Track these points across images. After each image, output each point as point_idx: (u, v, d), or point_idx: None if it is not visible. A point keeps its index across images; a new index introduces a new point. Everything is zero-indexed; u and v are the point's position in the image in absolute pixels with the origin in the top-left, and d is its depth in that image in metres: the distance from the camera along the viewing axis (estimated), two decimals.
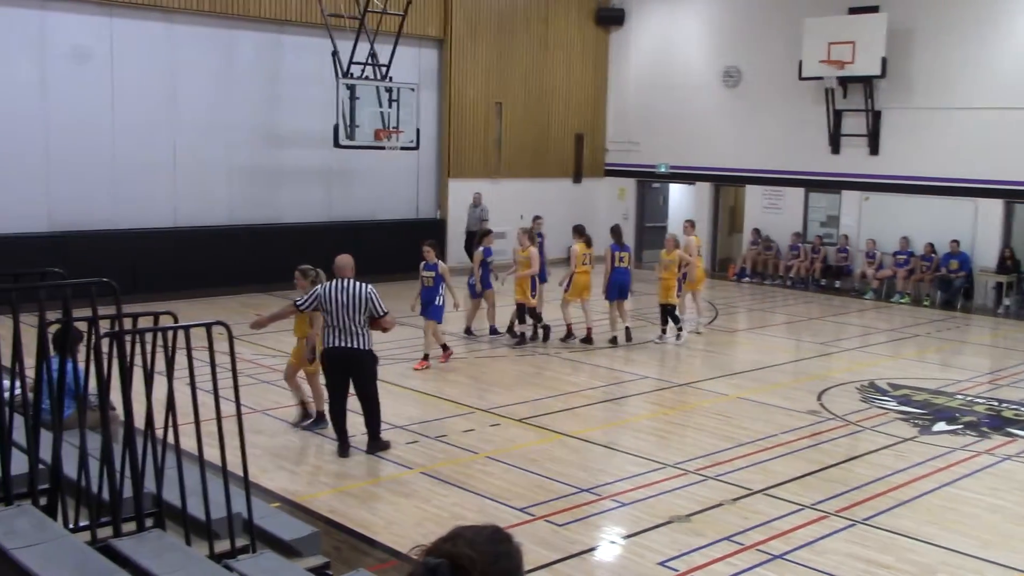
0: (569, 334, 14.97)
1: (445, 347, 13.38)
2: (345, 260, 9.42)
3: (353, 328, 9.12)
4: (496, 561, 2.09)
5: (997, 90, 19.35)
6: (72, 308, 5.52)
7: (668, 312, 14.95)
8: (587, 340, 14.86)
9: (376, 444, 9.45)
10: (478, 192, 21.94)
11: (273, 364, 12.91)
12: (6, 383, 5.74)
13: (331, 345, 9.21)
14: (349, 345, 9.15)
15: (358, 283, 9.23)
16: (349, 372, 9.28)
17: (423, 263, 13.14)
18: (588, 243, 15.11)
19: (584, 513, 8.06)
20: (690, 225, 16.67)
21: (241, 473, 5.69)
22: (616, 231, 15.49)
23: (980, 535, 7.85)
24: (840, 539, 7.61)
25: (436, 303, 13.01)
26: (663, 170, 24.86)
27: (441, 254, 14.18)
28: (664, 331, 15.19)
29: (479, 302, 15.25)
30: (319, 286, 9.38)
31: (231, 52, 19.20)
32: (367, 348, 9.29)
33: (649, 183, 25.91)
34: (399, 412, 10.97)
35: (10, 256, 13.68)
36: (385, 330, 9.65)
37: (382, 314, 9.26)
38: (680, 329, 15.12)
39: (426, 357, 13.11)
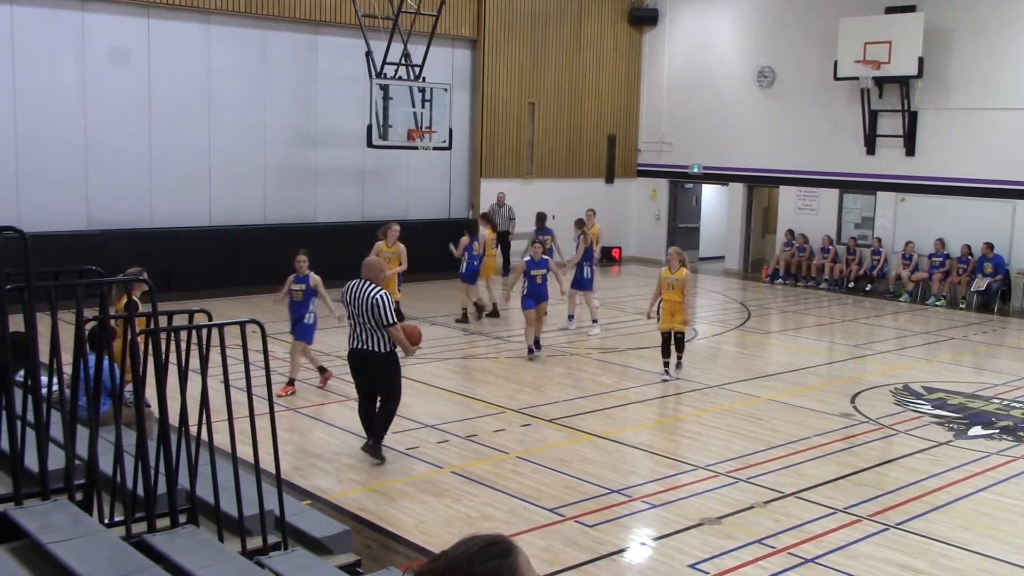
0: (479, 311, 16.66)
1: (322, 369, 11.89)
2: (370, 262, 9.25)
3: (369, 328, 8.87)
4: None
5: None
6: (109, 306, 5.59)
7: (677, 340, 12.78)
8: (493, 314, 16.68)
9: (373, 449, 9.04)
10: (502, 192, 21.95)
11: (304, 362, 12.97)
12: (44, 380, 5.82)
13: (352, 346, 9.10)
14: (365, 347, 8.94)
15: (372, 287, 8.92)
16: (367, 373, 9.08)
17: (292, 275, 11.51)
18: (495, 228, 17.00)
19: (614, 514, 8.04)
20: (592, 213, 17.77)
21: (273, 471, 5.74)
22: (540, 217, 17.88)
23: (1015, 541, 7.75)
24: (873, 543, 7.54)
25: (306, 321, 11.45)
26: (696, 170, 24.76)
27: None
28: (667, 364, 12.84)
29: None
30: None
31: (266, 53, 19.35)
32: (385, 351, 8.92)
33: (682, 183, 25.82)
34: (430, 411, 11.01)
35: (49, 254, 13.86)
36: (396, 341, 8.92)
37: (387, 323, 8.74)
38: (680, 358, 12.98)
39: (291, 382, 11.54)
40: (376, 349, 8.92)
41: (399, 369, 9.21)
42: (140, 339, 5.58)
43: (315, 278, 11.45)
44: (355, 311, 8.92)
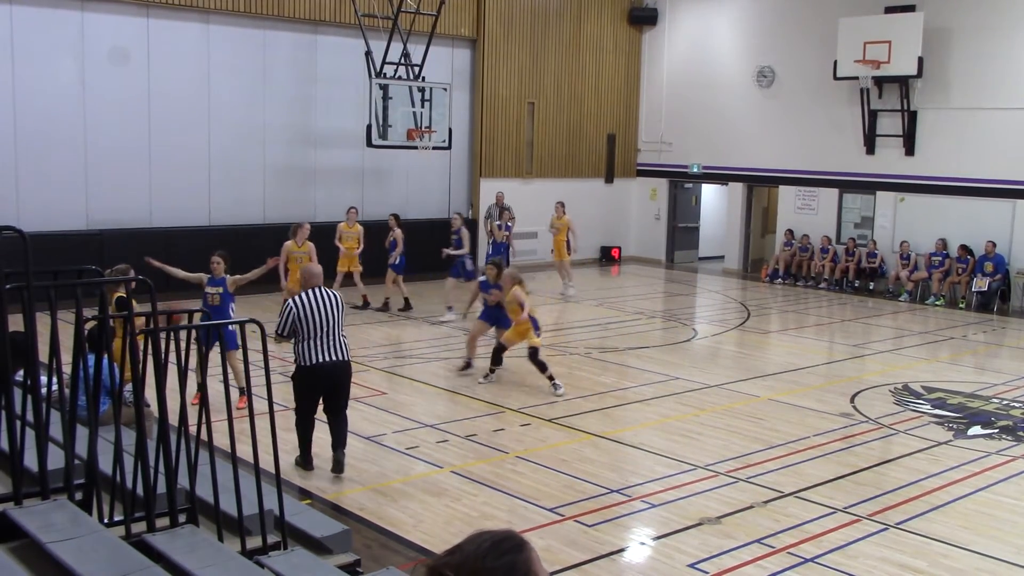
0: (366, 303, 17.20)
1: (242, 390, 10.30)
2: (318, 268, 9.05)
3: (339, 337, 8.59)
4: (492, 574, 2.02)
5: None
6: (108, 306, 5.59)
7: (531, 357, 11.90)
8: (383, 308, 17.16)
9: (341, 465, 8.72)
10: (500, 191, 21.91)
11: None
12: (43, 379, 5.82)
13: (320, 360, 8.48)
14: (341, 358, 8.58)
15: (330, 290, 8.78)
16: (334, 386, 8.63)
17: (207, 277, 10.94)
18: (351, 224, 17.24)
19: (614, 514, 8.04)
20: (561, 205, 19.69)
21: (273, 470, 5.74)
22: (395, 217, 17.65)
23: (1015, 541, 7.75)
24: (872, 543, 7.54)
25: (229, 328, 9.79)
26: (695, 170, 24.76)
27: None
28: (492, 371, 12.29)
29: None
30: (290, 302, 8.60)
31: (266, 52, 19.35)
32: (350, 359, 8.79)
33: (681, 183, 25.82)
34: (429, 411, 11.02)
35: (49, 254, 13.87)
36: None
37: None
38: (550, 378, 11.91)
39: (242, 392, 10.23)
40: (349, 358, 8.72)
41: None
42: (139, 339, 5.58)
43: (231, 279, 10.96)
44: (327, 318, 8.52)
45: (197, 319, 5.98)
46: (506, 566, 2.04)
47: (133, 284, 9.15)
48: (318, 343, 8.50)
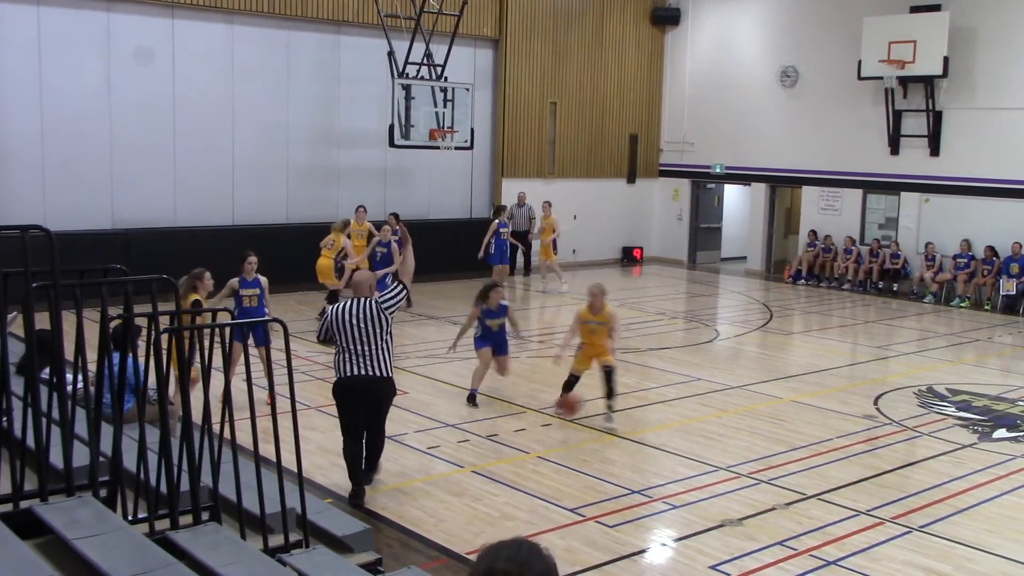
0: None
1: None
2: (363, 276, 8.50)
3: (378, 352, 7.97)
4: None
5: None
6: (133, 304, 5.64)
7: (607, 378, 10.54)
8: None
9: (369, 479, 8.42)
10: (523, 192, 21.90)
11: (327, 361, 13.02)
12: (69, 377, 5.87)
13: (350, 374, 7.95)
14: (375, 374, 7.95)
15: (370, 300, 8.07)
16: (366, 403, 8.09)
17: (239, 279, 10.80)
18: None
19: (635, 515, 8.03)
20: (548, 205, 20.18)
21: (295, 469, 5.77)
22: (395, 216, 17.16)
23: None
24: (896, 546, 7.49)
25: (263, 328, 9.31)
26: (718, 170, 24.67)
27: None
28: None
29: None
30: (329, 309, 8.29)
31: (289, 53, 19.44)
32: (390, 375, 8.11)
33: (704, 183, 25.73)
34: (451, 411, 11.03)
35: (75, 253, 13.97)
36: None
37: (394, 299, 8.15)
38: (612, 404, 10.60)
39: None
40: (385, 374, 8.03)
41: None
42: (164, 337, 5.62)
43: (265, 280, 10.92)
44: (362, 331, 7.92)
45: (221, 318, 6.01)
46: (545, 571, 2.17)
47: (211, 287, 9.51)
48: (353, 357, 7.96)
